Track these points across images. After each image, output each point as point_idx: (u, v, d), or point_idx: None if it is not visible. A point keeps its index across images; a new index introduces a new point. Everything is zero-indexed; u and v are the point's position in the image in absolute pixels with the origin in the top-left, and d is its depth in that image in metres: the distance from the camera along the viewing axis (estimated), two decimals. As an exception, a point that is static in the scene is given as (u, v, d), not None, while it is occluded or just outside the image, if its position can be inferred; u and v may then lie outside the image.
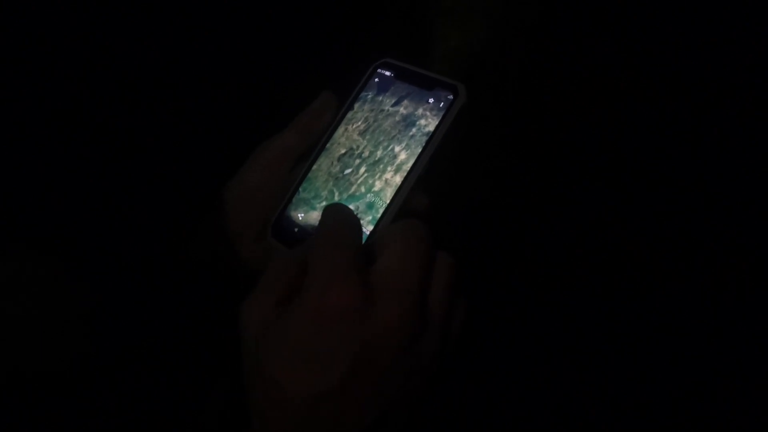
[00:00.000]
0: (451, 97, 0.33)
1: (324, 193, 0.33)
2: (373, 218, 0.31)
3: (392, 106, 0.34)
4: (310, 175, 0.34)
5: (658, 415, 0.50)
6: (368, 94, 0.35)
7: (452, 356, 0.28)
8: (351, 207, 0.32)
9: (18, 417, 0.35)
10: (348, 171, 0.33)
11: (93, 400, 0.37)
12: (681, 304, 0.52)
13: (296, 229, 0.33)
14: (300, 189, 0.34)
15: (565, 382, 0.53)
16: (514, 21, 0.48)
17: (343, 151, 0.34)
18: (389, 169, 0.32)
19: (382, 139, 0.33)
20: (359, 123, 0.34)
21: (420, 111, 0.33)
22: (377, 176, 0.32)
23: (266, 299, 0.26)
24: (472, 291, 0.51)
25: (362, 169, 0.33)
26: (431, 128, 0.32)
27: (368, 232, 0.31)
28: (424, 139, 0.32)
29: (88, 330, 0.37)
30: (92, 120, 0.40)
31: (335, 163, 0.34)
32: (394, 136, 0.33)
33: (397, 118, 0.33)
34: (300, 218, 0.33)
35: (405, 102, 0.34)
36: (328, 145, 0.34)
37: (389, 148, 0.33)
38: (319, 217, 0.29)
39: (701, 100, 0.50)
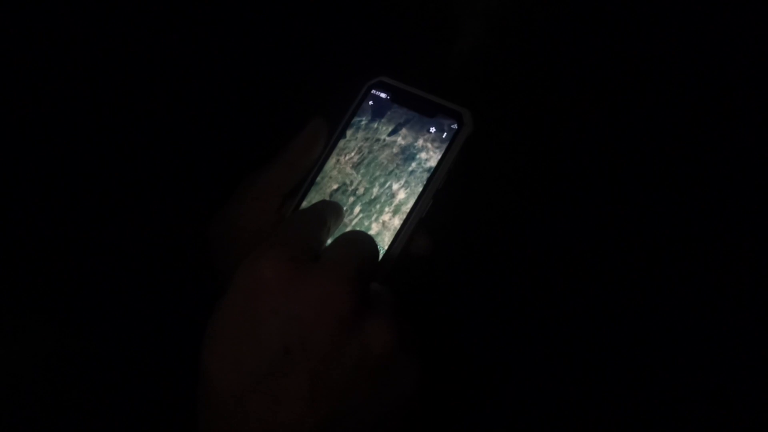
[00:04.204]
0: (455, 126, 0.29)
1: None
2: None
3: (389, 135, 0.30)
4: None
5: (658, 415, 0.50)
6: (362, 120, 0.31)
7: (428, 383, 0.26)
8: None
9: (18, 417, 0.34)
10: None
11: (93, 400, 0.36)
12: (681, 304, 0.51)
13: None
14: None
15: (565, 382, 0.52)
16: (514, 22, 0.44)
17: (335, 187, 0.30)
18: (387, 209, 0.29)
19: (378, 174, 0.30)
20: (352, 154, 0.31)
21: (420, 142, 0.30)
22: (373, 218, 0.29)
23: None
24: (472, 291, 0.50)
25: (357, 209, 0.30)
26: (433, 163, 0.29)
27: None
28: (426, 176, 0.29)
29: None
30: (92, 120, 0.37)
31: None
32: (392, 171, 0.30)
33: (395, 150, 0.30)
34: None
35: (403, 131, 0.30)
36: (318, 179, 0.31)
37: (386, 186, 0.30)
38: None
39: (701, 100, 0.48)
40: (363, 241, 0.26)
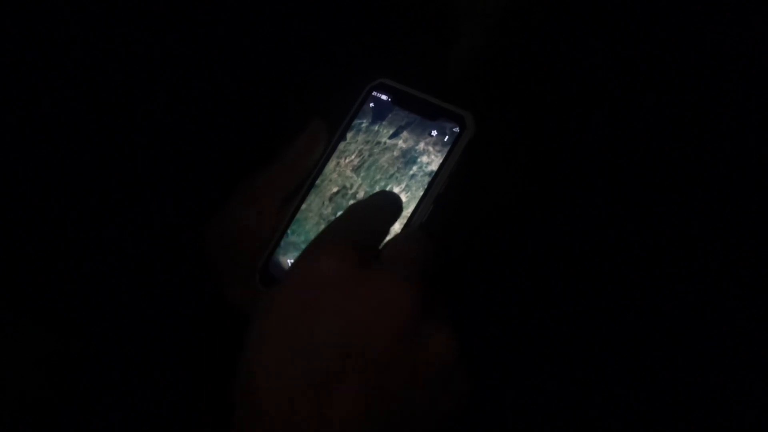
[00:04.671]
0: (457, 129, 0.29)
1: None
2: None
3: (390, 138, 0.30)
4: (299, 215, 0.31)
5: (658, 415, 0.50)
6: (362, 122, 0.31)
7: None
8: None
9: (18, 417, 0.34)
10: (341, 213, 0.30)
11: (93, 400, 0.36)
12: (681, 304, 0.51)
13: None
14: (288, 231, 0.31)
15: (565, 382, 0.53)
16: (513, 22, 0.44)
17: (335, 190, 0.30)
18: None
19: (378, 177, 0.30)
20: (352, 157, 0.31)
21: (421, 146, 0.30)
22: (374, 221, 0.29)
23: None
24: (472, 291, 0.50)
25: None
26: (434, 167, 0.29)
27: None
28: (427, 179, 0.29)
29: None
30: (92, 120, 0.37)
31: (327, 203, 0.30)
32: (392, 174, 0.30)
33: (396, 153, 0.30)
34: (289, 263, 0.30)
35: (404, 134, 0.30)
36: (318, 182, 0.31)
37: (387, 189, 0.30)
38: None
39: (701, 100, 0.48)
40: (425, 242, 0.25)
